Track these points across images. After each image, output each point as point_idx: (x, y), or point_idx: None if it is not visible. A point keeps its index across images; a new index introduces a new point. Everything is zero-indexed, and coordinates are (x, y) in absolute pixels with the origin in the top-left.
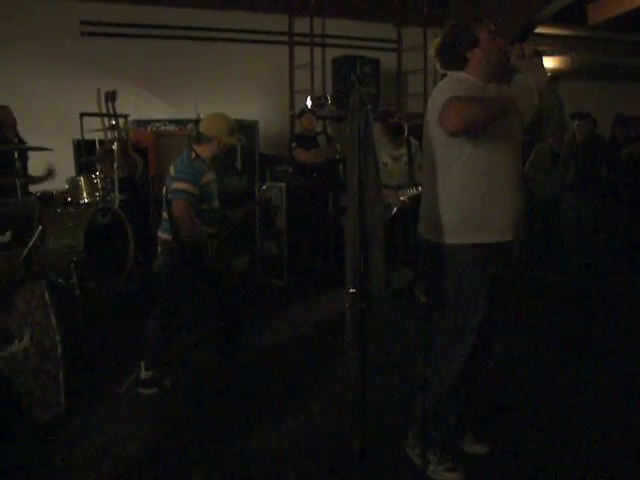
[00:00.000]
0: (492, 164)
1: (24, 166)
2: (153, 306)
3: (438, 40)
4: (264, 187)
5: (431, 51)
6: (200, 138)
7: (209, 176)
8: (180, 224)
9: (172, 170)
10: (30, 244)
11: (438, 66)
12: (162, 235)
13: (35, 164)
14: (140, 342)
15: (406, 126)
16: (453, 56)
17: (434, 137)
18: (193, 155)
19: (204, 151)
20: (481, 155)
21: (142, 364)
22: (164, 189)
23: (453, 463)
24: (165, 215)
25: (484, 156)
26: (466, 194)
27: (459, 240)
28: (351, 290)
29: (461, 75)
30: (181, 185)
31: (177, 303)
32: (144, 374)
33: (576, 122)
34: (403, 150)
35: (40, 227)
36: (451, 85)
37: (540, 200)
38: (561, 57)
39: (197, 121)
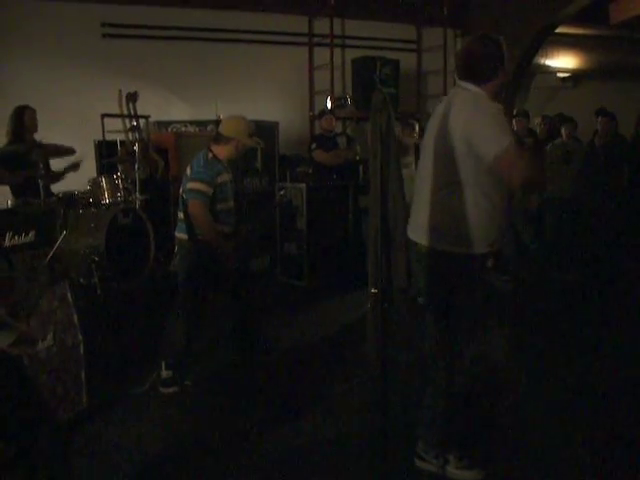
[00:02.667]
0: (495, 187)
1: (46, 165)
2: (173, 305)
3: (466, 47)
4: (281, 192)
5: (457, 58)
6: (218, 138)
7: (225, 176)
8: (195, 224)
9: (188, 170)
10: (54, 248)
11: (457, 73)
12: (179, 235)
13: (57, 162)
14: (161, 341)
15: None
16: (484, 68)
17: (455, 149)
18: (210, 155)
19: (221, 152)
20: (488, 178)
21: (163, 363)
22: (181, 189)
23: (471, 460)
24: (181, 215)
25: (491, 179)
26: (478, 211)
27: (470, 250)
28: (373, 290)
29: (480, 91)
30: (196, 185)
31: (195, 302)
32: (165, 373)
33: (599, 118)
34: (411, 158)
35: (65, 232)
36: (485, 104)
37: (553, 200)
38: (582, 56)
39: (217, 122)
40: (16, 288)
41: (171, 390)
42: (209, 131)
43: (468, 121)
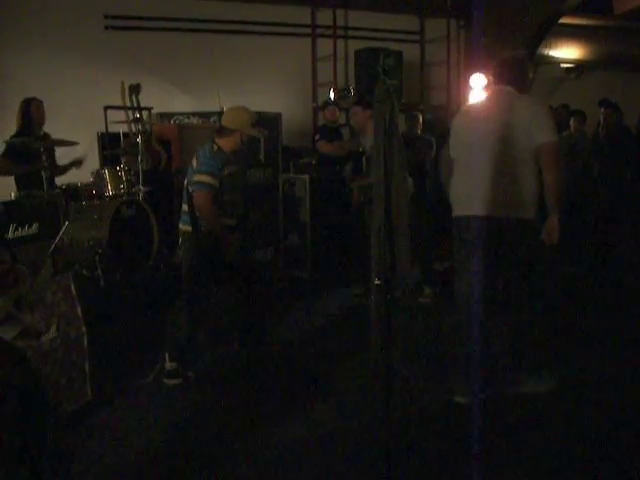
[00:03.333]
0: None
1: (51, 159)
2: (177, 298)
3: (507, 56)
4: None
5: (499, 67)
6: (222, 131)
7: (230, 168)
8: (201, 215)
9: (194, 162)
10: (57, 239)
11: (496, 77)
12: (183, 227)
13: (60, 155)
14: (164, 333)
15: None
16: (523, 76)
17: (524, 140)
18: (215, 147)
19: (226, 143)
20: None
21: (167, 355)
22: (185, 182)
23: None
24: (185, 207)
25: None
26: (537, 183)
27: (528, 215)
28: (377, 281)
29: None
30: (202, 177)
31: (199, 294)
32: (168, 365)
33: (602, 109)
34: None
35: (67, 223)
36: (541, 103)
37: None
38: (586, 47)
39: (220, 114)
40: (20, 280)
41: (175, 382)
42: (212, 123)
43: (534, 115)
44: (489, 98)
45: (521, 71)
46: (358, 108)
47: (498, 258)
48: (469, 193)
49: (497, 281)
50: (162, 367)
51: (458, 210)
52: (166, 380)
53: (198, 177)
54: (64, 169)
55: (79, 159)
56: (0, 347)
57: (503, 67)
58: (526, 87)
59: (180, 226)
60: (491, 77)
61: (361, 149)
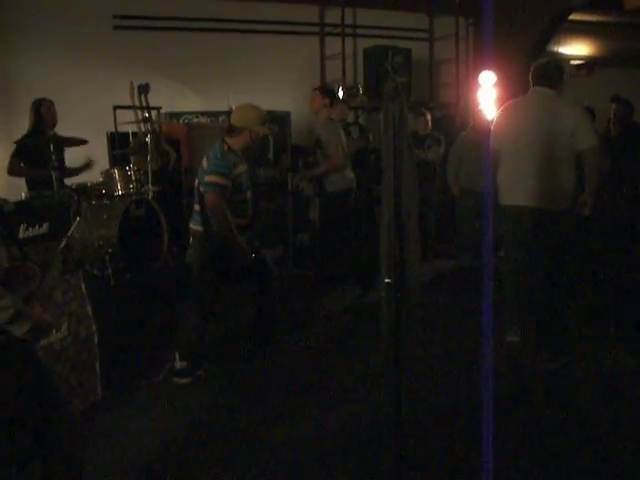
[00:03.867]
0: None
1: (61, 159)
2: (187, 297)
3: (545, 63)
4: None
5: (544, 69)
6: (231, 130)
7: (241, 168)
8: (212, 216)
9: (204, 163)
10: (68, 235)
11: (536, 79)
12: (193, 226)
13: (70, 156)
14: (174, 332)
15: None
16: (560, 80)
17: (566, 140)
18: (225, 147)
19: (236, 143)
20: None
21: (177, 354)
22: (196, 181)
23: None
24: (197, 207)
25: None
26: (575, 178)
27: (569, 206)
28: (386, 280)
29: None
30: (213, 178)
31: (209, 294)
32: (179, 364)
33: (613, 106)
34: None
35: (77, 218)
36: (582, 108)
37: None
38: (596, 43)
39: (229, 113)
40: (30, 278)
41: (185, 381)
42: (221, 122)
43: (578, 120)
44: (530, 98)
45: (560, 75)
46: (316, 93)
47: (540, 243)
48: (515, 185)
49: (539, 265)
50: (172, 366)
51: (506, 200)
52: (176, 379)
53: (209, 178)
54: (75, 171)
55: (90, 162)
56: (11, 344)
57: (544, 70)
58: (562, 89)
59: (191, 226)
60: (530, 79)
61: (369, 147)
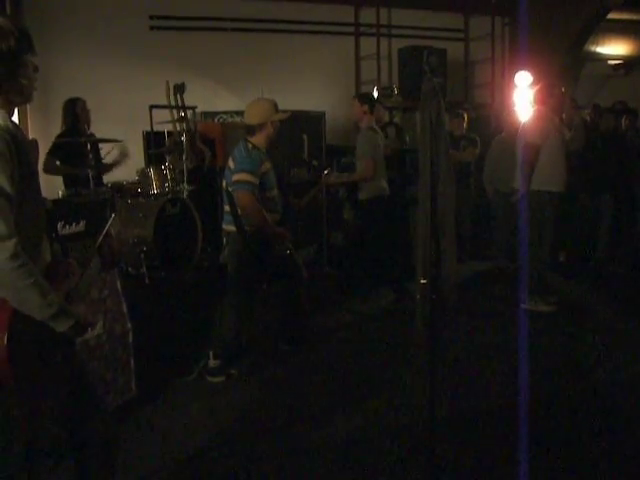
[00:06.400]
0: None
1: (97, 157)
2: (222, 296)
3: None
4: (326, 171)
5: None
6: (251, 130)
7: (267, 165)
8: (246, 215)
9: (231, 163)
10: (105, 230)
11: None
12: (226, 227)
13: (105, 151)
14: (208, 331)
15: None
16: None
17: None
18: (250, 145)
19: (260, 139)
20: None
21: (211, 353)
22: (224, 183)
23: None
24: (227, 207)
25: None
26: None
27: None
28: (422, 281)
29: None
30: (242, 176)
31: (246, 294)
32: (212, 363)
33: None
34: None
35: (114, 215)
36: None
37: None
38: (635, 43)
39: None
40: (70, 274)
41: (218, 379)
42: None
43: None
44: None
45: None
46: (355, 101)
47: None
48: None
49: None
50: (206, 364)
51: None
52: (209, 378)
53: (237, 176)
54: (110, 166)
55: (125, 150)
56: (53, 341)
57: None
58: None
59: (224, 226)
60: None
61: (404, 147)
